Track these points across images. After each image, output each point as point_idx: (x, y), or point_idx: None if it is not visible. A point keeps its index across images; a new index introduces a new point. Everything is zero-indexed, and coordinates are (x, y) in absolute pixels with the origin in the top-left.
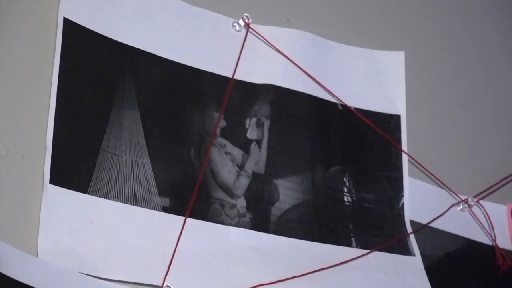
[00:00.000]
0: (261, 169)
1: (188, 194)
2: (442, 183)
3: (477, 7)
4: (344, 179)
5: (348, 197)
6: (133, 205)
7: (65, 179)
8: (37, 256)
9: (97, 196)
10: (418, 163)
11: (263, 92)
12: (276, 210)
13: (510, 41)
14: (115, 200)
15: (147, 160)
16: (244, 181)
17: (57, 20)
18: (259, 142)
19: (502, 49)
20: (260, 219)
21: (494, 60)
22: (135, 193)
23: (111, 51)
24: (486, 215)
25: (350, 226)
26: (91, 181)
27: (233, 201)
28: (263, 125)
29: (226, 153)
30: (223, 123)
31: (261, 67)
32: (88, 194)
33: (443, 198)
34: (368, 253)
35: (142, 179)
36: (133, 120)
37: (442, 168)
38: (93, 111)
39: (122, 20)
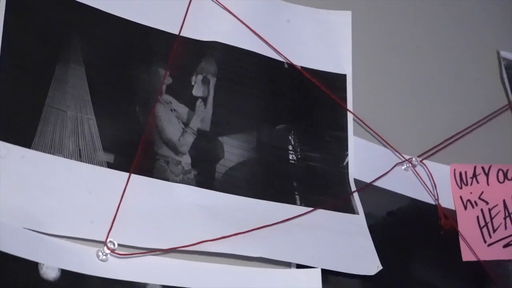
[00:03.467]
0: (206, 126)
1: (133, 150)
2: (386, 142)
3: None
4: (290, 137)
5: (293, 156)
6: (78, 160)
7: (8, 133)
8: None
9: (41, 151)
10: (363, 123)
11: (210, 50)
12: (221, 168)
13: (454, 2)
14: (59, 156)
15: (91, 116)
16: (189, 138)
17: None
18: (205, 99)
19: (446, 10)
20: (204, 176)
21: (439, 21)
22: (79, 149)
23: (59, 7)
24: (429, 175)
25: (295, 184)
26: (35, 136)
27: (178, 158)
28: (209, 82)
29: (171, 110)
30: (169, 80)
31: (208, 24)
32: (32, 149)
33: (387, 157)
34: (312, 211)
35: (87, 135)
36: (78, 76)
37: (386, 127)
38: (38, 67)
39: None
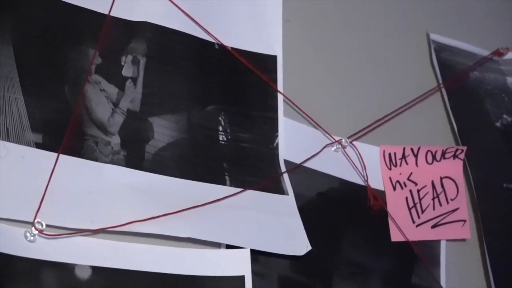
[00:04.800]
0: (136, 106)
1: (61, 130)
2: (316, 123)
3: None
4: (220, 118)
5: (223, 136)
6: (5, 140)
7: None
8: None
9: None
10: (293, 104)
11: (140, 30)
12: (151, 148)
13: None
14: None
15: (19, 95)
16: (118, 119)
17: None
18: (134, 79)
19: None
20: (134, 156)
21: (369, 2)
22: (7, 128)
23: None
24: (359, 156)
25: (225, 165)
26: None
27: (107, 138)
28: (139, 63)
29: (101, 90)
30: (98, 60)
31: (138, 5)
32: None
33: (317, 138)
34: (241, 191)
35: (15, 115)
36: (6, 55)
37: (317, 109)
38: None
39: None
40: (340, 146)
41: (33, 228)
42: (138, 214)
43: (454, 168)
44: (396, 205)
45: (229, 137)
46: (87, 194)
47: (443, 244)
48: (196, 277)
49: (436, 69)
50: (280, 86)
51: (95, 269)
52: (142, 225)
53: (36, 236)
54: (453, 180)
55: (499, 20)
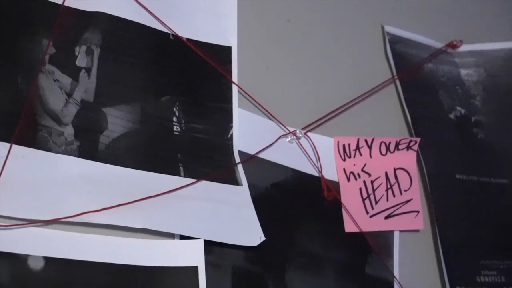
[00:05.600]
0: (90, 97)
1: (14, 120)
2: (271, 114)
3: None
4: (174, 109)
5: (178, 127)
6: None
7: None
8: None
9: None
10: (248, 95)
11: (94, 20)
12: (105, 139)
13: None
14: None
15: None
16: (72, 109)
17: None
18: (88, 70)
19: None
20: (88, 147)
21: None
22: None
23: None
24: (313, 147)
25: (179, 155)
26: None
27: (60, 129)
28: (93, 53)
29: (54, 80)
30: (52, 50)
31: None
32: None
33: (272, 129)
34: (195, 182)
35: None
36: None
37: (271, 100)
38: None
39: None
40: (294, 137)
41: None
42: (92, 204)
43: (408, 159)
44: (350, 196)
45: (184, 128)
46: (40, 185)
47: (396, 235)
48: (150, 267)
49: (390, 61)
50: (235, 77)
51: (48, 260)
52: (96, 216)
53: None
54: (407, 171)
55: (453, 12)
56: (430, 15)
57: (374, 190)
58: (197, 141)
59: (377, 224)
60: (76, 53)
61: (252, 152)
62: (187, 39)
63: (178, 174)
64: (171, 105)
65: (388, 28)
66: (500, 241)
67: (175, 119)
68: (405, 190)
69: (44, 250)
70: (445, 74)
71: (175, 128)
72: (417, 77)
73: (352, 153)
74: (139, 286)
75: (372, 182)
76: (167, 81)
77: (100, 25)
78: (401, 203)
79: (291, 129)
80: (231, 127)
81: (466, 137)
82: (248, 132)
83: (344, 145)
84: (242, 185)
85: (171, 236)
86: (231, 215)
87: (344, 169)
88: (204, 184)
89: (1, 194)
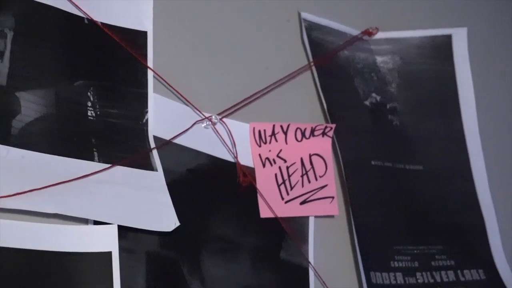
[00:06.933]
0: (3, 81)
1: None
2: (186, 100)
3: None
4: (89, 93)
5: (92, 112)
6: None
7: None
8: None
9: None
10: (163, 80)
11: (7, 3)
12: (17, 123)
13: None
14: None
15: None
16: None
17: None
18: (1, 53)
19: None
20: (0, 131)
21: None
22: None
23: None
24: (229, 133)
25: (93, 140)
26: None
27: None
28: (6, 36)
29: None
30: None
31: None
32: None
33: (188, 115)
34: (110, 167)
35: None
36: None
37: (187, 85)
38: None
39: None
40: (210, 122)
41: None
42: (4, 189)
43: (323, 145)
44: (265, 182)
45: (98, 112)
46: None
47: (311, 221)
48: (63, 253)
49: (306, 47)
50: (150, 62)
51: None
52: (8, 201)
53: None
54: (322, 157)
55: (370, 0)
56: (347, 2)
57: (289, 176)
58: (112, 126)
59: (292, 210)
60: None
61: (168, 138)
62: (102, 23)
63: (92, 159)
64: (86, 89)
65: (304, 15)
66: (414, 227)
67: (89, 103)
68: (320, 176)
69: None
70: (361, 61)
71: (89, 113)
72: (333, 64)
73: (268, 139)
74: (51, 271)
75: (287, 168)
76: (81, 65)
77: (13, 8)
78: (316, 189)
79: (207, 115)
80: (146, 112)
81: (381, 123)
82: (164, 117)
83: (259, 131)
84: (157, 171)
85: (84, 221)
86: (145, 201)
87: (259, 155)
88: (119, 169)
89: None
